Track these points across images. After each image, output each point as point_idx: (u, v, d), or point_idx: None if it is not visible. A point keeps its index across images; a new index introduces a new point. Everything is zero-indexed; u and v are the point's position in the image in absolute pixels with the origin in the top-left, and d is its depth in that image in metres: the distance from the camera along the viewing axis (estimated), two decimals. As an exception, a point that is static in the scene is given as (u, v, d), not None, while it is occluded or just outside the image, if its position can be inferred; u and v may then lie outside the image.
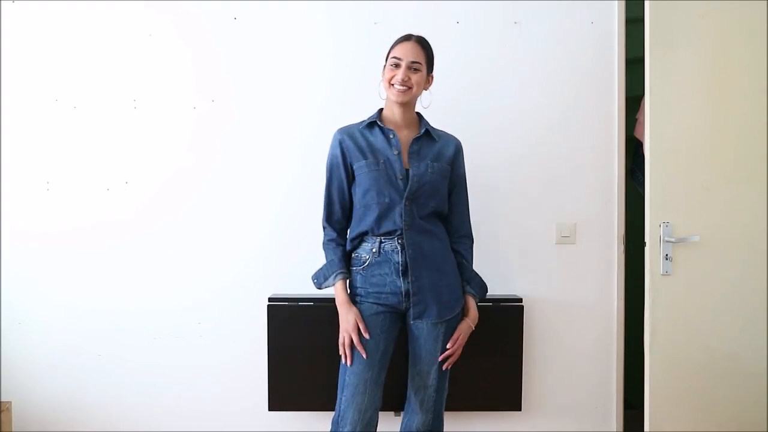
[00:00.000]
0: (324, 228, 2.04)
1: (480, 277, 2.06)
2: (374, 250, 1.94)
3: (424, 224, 1.93)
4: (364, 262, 1.95)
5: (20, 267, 2.57)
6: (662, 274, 2.19)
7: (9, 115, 2.56)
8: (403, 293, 1.92)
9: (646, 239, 2.21)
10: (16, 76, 2.55)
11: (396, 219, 1.91)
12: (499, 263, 2.55)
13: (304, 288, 2.40)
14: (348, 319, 1.91)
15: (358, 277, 1.97)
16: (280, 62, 2.55)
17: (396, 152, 1.93)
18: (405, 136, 1.98)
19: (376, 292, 1.93)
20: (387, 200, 1.91)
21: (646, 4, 2.19)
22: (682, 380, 2.23)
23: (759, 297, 2.24)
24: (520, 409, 2.44)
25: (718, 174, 2.23)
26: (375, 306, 1.93)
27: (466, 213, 2.08)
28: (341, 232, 2.02)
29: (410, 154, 1.95)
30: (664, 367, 2.20)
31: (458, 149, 2.04)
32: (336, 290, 1.97)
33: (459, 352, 1.97)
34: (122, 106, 2.55)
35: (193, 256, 2.56)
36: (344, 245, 2.01)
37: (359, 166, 1.95)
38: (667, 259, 2.19)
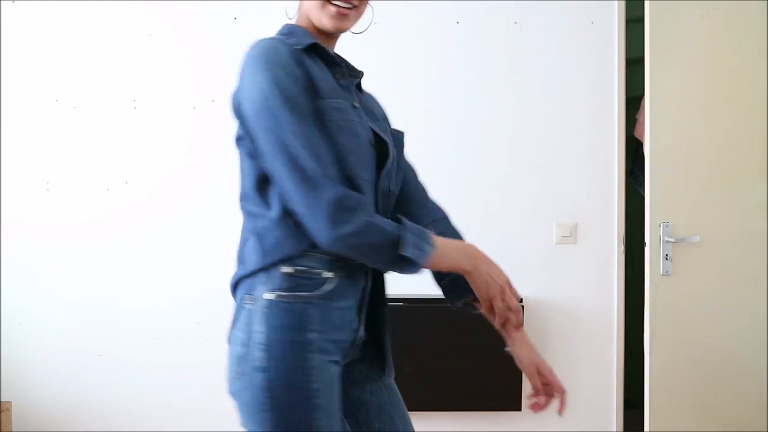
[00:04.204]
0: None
1: None
2: (339, 263, 1.15)
3: None
4: (321, 284, 1.14)
5: (20, 267, 2.57)
6: (662, 274, 2.19)
7: (9, 115, 2.56)
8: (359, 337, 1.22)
9: (646, 239, 2.21)
10: (16, 76, 2.55)
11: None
12: (499, 263, 2.54)
13: (304, 288, 2.40)
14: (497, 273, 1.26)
15: (313, 310, 1.12)
16: (280, 62, 2.55)
17: (357, 103, 1.21)
18: None
19: (337, 340, 1.16)
20: (368, 176, 1.17)
21: (646, 4, 2.19)
22: (682, 380, 2.23)
23: (759, 297, 2.24)
24: (520, 409, 2.44)
25: (718, 174, 2.22)
26: (333, 365, 1.16)
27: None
28: None
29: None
30: (664, 367, 2.20)
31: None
32: (445, 247, 1.16)
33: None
34: (122, 106, 2.55)
35: (194, 256, 2.56)
36: None
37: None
38: (667, 259, 2.19)
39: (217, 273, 2.56)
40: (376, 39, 2.41)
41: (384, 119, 1.31)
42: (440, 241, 1.15)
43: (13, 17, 2.54)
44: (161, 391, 2.57)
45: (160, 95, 2.55)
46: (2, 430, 2.50)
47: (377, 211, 1.16)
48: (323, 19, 1.18)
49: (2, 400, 2.56)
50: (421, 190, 1.35)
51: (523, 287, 2.53)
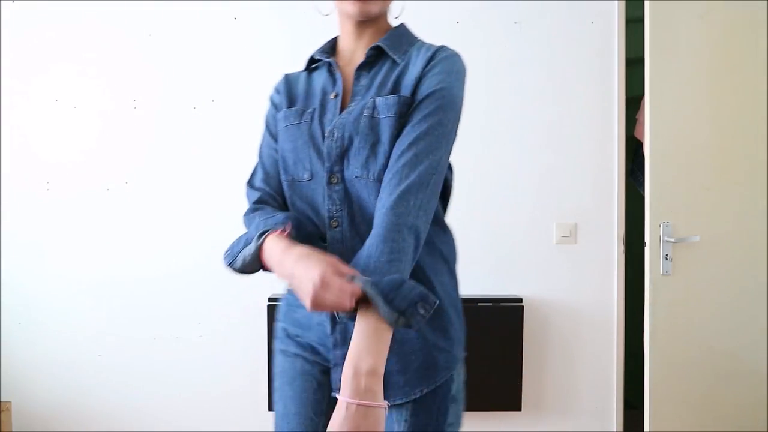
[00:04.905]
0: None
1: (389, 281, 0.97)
2: None
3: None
4: None
5: (20, 267, 2.57)
6: (662, 274, 2.20)
7: (9, 115, 2.56)
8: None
9: (646, 239, 2.21)
10: (16, 76, 2.55)
11: (319, 210, 1.12)
12: (499, 263, 2.55)
13: (304, 288, 2.40)
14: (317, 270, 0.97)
15: (283, 302, 1.24)
16: (280, 62, 2.55)
17: (334, 95, 1.16)
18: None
19: (301, 336, 1.18)
20: (306, 175, 1.14)
21: (646, 4, 2.19)
22: (682, 380, 2.23)
23: (759, 297, 2.25)
24: (520, 409, 2.44)
25: (718, 174, 2.23)
26: (301, 360, 1.17)
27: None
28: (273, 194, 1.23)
29: (354, 93, 1.15)
30: (664, 367, 2.20)
31: (432, 58, 1.15)
32: (270, 252, 1.06)
33: None
34: (122, 106, 2.55)
35: (193, 256, 2.55)
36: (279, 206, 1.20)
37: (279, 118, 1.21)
38: (667, 259, 2.19)
39: (217, 273, 2.57)
40: (376, 39, 2.42)
41: (380, 91, 1.12)
42: (273, 245, 1.06)
43: (13, 17, 2.54)
44: (161, 391, 2.57)
45: (160, 95, 2.55)
46: (2, 430, 2.50)
47: (335, 203, 1.09)
48: (347, 7, 1.15)
49: (2, 400, 2.56)
50: (392, 171, 1.05)
51: (523, 287, 2.56)
